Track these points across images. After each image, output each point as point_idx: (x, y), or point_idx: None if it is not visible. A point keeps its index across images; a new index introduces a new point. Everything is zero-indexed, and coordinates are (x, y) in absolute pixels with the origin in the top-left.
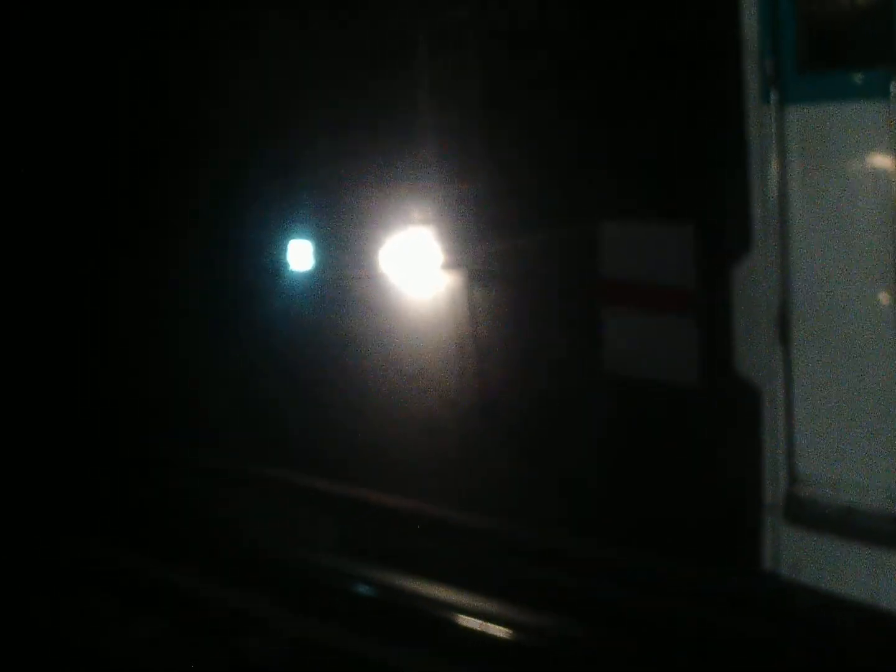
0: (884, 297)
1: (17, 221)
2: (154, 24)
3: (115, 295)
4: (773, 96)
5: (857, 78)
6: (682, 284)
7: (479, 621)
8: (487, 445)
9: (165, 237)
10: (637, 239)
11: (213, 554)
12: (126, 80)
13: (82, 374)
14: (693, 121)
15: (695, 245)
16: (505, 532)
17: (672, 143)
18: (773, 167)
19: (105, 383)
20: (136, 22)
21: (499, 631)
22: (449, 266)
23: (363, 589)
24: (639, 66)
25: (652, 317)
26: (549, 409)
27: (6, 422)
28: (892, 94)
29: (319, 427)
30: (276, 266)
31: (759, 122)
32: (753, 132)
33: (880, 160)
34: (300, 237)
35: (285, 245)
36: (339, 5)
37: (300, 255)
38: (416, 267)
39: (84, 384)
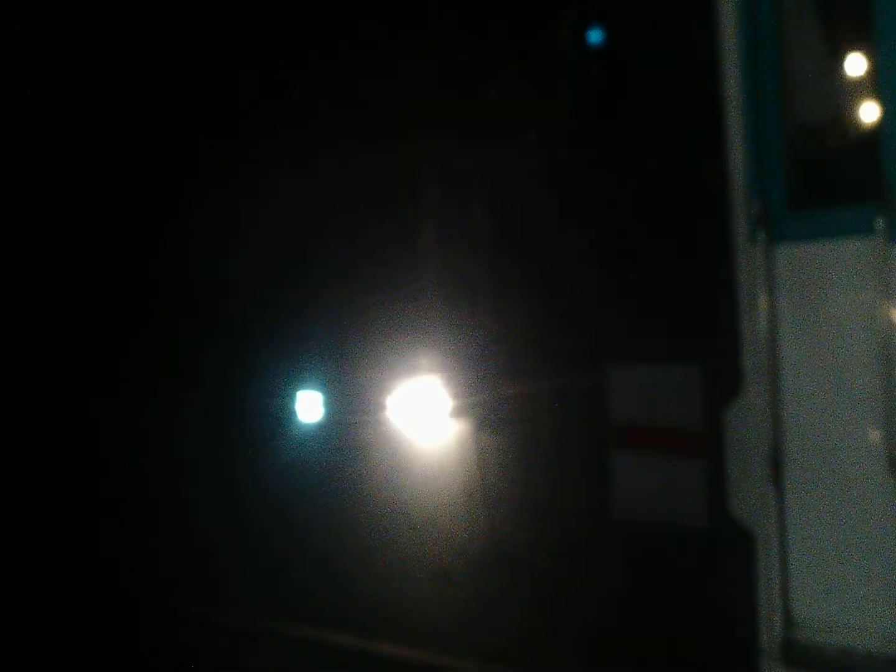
0: (875, 437)
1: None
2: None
3: (116, 446)
4: (761, 236)
5: (844, 215)
6: (689, 426)
7: None
8: (500, 595)
9: (171, 388)
10: (644, 382)
11: None
12: (126, 234)
13: (77, 522)
14: (687, 262)
15: (700, 387)
16: None
17: (673, 286)
18: (762, 306)
19: (101, 533)
20: (131, 175)
21: None
22: (457, 413)
23: None
24: (636, 211)
25: (663, 460)
26: (563, 556)
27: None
28: (879, 230)
29: (329, 579)
30: (282, 412)
31: (748, 262)
32: (742, 272)
33: (868, 297)
34: (308, 387)
35: (293, 395)
36: (344, 154)
37: (308, 405)
38: (425, 414)
39: (78, 531)
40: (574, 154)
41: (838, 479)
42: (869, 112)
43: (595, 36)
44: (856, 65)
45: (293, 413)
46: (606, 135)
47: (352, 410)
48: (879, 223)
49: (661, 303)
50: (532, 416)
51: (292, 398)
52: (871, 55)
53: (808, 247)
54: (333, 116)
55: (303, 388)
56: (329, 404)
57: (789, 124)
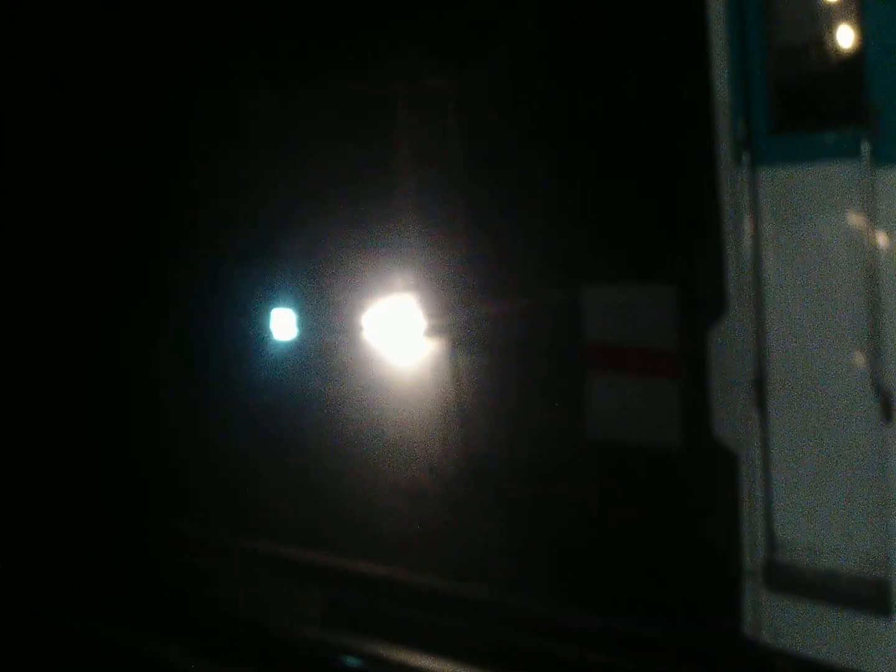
0: (859, 360)
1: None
2: (132, 89)
3: (96, 365)
4: (745, 158)
5: (828, 138)
6: (665, 347)
7: None
8: (474, 513)
9: (148, 307)
10: (620, 302)
11: (195, 626)
12: (102, 148)
13: (63, 444)
14: (669, 183)
15: (676, 308)
16: (494, 601)
17: (651, 206)
18: (746, 229)
19: (85, 454)
20: (113, 88)
21: None
22: (432, 332)
23: (350, 661)
24: (616, 130)
25: (637, 380)
26: (536, 475)
27: None
28: (863, 153)
29: (304, 497)
30: (258, 335)
31: (732, 184)
32: (726, 194)
33: (852, 220)
34: (282, 305)
35: (267, 311)
36: (319, 68)
37: (283, 323)
38: (399, 333)
39: (64, 454)
40: (547, 72)
41: (822, 403)
42: (854, 35)
43: None
44: None
45: (267, 331)
46: (582, 53)
47: (326, 329)
48: (864, 147)
49: (640, 224)
50: (506, 335)
51: (267, 316)
52: None
53: (792, 170)
54: (308, 34)
55: (277, 306)
56: (303, 323)
57: (774, 46)
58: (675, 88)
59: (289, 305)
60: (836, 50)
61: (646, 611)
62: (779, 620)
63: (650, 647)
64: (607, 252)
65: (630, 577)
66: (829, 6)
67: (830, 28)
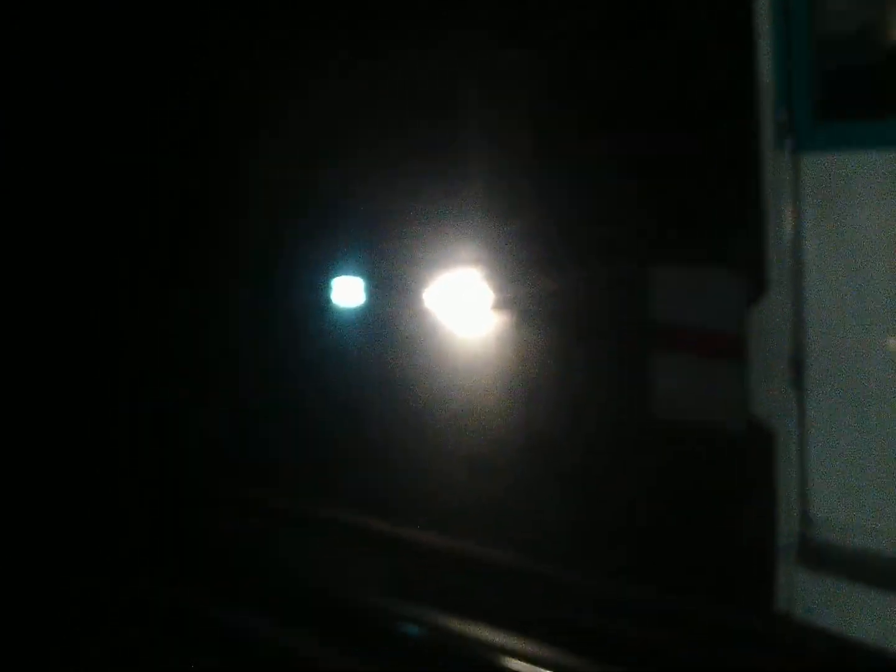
0: (894, 344)
1: (64, 273)
2: (199, 66)
3: (168, 334)
4: (788, 144)
5: (871, 127)
6: (729, 329)
7: (528, 665)
8: (537, 488)
9: (216, 276)
10: (682, 282)
11: (264, 593)
12: (171, 123)
13: (138, 414)
14: (718, 167)
15: (740, 289)
16: (553, 576)
17: (705, 190)
18: (788, 213)
19: (160, 423)
20: (180, 64)
21: None
22: (498, 305)
23: (411, 629)
24: (671, 116)
25: (701, 360)
26: (599, 452)
27: (65, 462)
28: None
29: (368, 466)
30: (325, 302)
31: (774, 169)
32: (768, 179)
33: (891, 207)
34: (349, 274)
35: (334, 282)
36: (387, 46)
37: (349, 291)
38: (465, 306)
39: (139, 424)
40: (605, 59)
41: (858, 383)
42: None
43: None
44: None
45: (336, 298)
46: (640, 43)
47: (392, 300)
48: None
49: (696, 206)
50: (571, 311)
51: (334, 285)
52: None
53: (833, 157)
54: (379, 17)
55: (344, 274)
56: (369, 291)
57: (819, 34)
58: (724, 74)
59: (356, 274)
60: (881, 38)
61: (701, 591)
62: (811, 597)
63: (689, 623)
64: (671, 232)
65: (685, 557)
66: None
67: (875, 16)
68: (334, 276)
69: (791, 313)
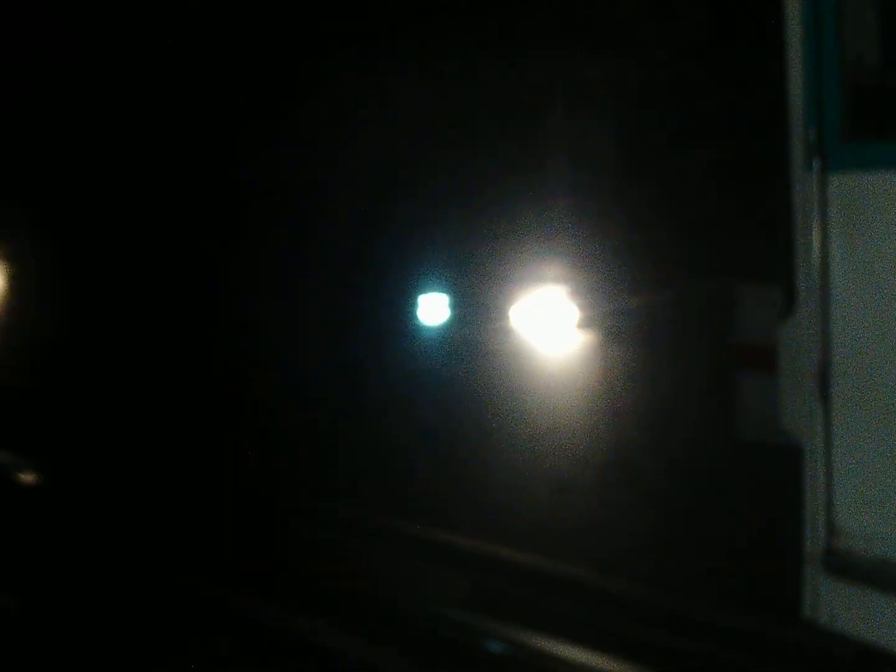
0: None
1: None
2: (280, 81)
3: (250, 349)
4: (816, 164)
5: None
6: None
7: None
8: (619, 506)
9: (302, 289)
10: (765, 300)
11: (342, 605)
12: (259, 141)
13: (217, 426)
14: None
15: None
16: (637, 596)
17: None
18: (816, 231)
19: (239, 434)
20: (260, 78)
21: None
22: (583, 324)
23: (492, 645)
24: (756, 133)
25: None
26: (685, 472)
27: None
28: None
29: (452, 481)
30: (409, 319)
31: (803, 189)
32: (797, 198)
33: None
34: (434, 292)
35: (419, 300)
36: (473, 66)
37: (434, 308)
38: (550, 324)
39: (219, 435)
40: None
41: (883, 398)
42: None
43: None
44: None
45: (419, 315)
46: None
47: (478, 317)
48: None
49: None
50: (657, 329)
51: (419, 301)
52: None
53: (861, 176)
54: (462, 31)
55: (430, 291)
56: (454, 309)
57: (847, 54)
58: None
59: (441, 291)
60: None
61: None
62: (836, 604)
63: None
64: (755, 251)
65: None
66: None
67: None
68: (419, 294)
69: (818, 329)
